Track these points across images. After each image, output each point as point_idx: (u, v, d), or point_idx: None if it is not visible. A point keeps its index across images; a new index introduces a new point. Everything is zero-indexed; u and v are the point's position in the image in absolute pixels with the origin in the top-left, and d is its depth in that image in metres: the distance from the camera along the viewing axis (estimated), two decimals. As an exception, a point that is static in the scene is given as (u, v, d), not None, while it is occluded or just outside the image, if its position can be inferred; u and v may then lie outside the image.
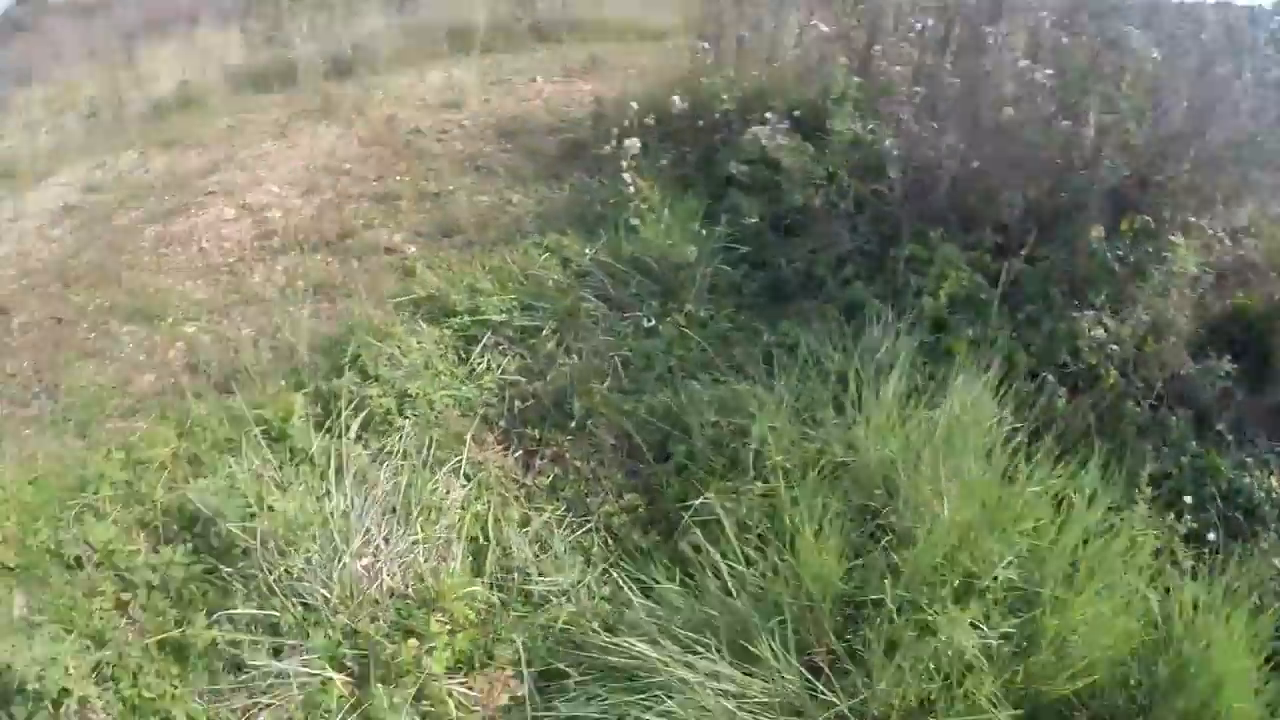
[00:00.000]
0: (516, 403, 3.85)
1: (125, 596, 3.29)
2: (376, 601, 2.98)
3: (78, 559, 3.41)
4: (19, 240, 6.48)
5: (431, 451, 3.56)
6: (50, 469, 3.92)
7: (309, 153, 6.26)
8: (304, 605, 2.96)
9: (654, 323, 4.15)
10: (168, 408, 3.98)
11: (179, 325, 4.61)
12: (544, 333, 4.08)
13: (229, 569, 3.10)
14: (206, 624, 3.06)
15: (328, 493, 3.22)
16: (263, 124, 7.19)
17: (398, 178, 5.63)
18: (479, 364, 3.98)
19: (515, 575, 3.24)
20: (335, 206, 5.42)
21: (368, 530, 3.11)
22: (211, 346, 4.40)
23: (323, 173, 5.91)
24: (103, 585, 3.33)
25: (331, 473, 3.29)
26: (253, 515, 3.12)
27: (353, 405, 3.55)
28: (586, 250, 4.46)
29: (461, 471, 3.53)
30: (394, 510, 3.19)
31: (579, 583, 3.24)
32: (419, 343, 3.89)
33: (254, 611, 2.95)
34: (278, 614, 2.93)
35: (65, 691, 2.93)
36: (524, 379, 3.96)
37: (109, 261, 5.52)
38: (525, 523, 3.43)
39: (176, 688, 3.00)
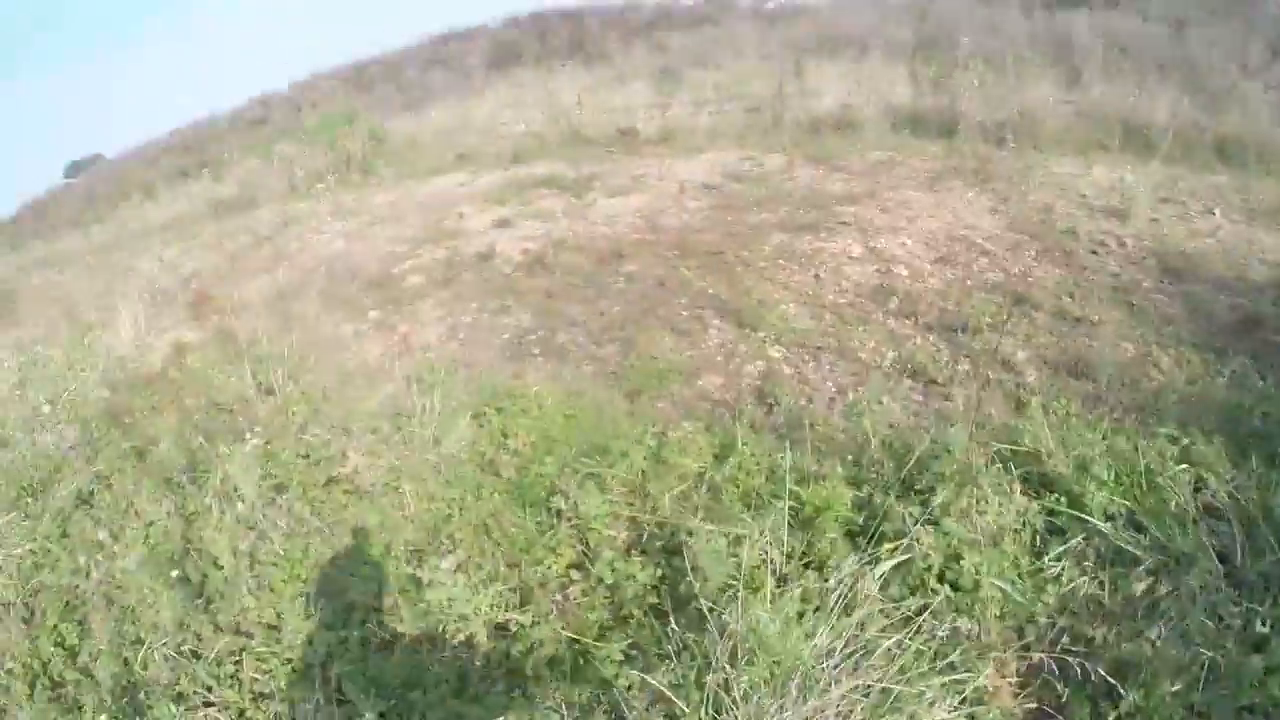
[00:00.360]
0: (1065, 638, 2.84)
1: (574, 575, 3.17)
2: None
3: (559, 512, 3.35)
4: (656, 199, 7.25)
5: (950, 647, 2.74)
6: (586, 416, 4.03)
7: (952, 218, 5.81)
8: (730, 723, 2.41)
9: (1267, 630, 2.80)
10: (715, 422, 3.79)
11: (766, 345, 4.46)
12: (1140, 570, 2.96)
13: (680, 627, 2.67)
14: (622, 658, 2.78)
15: (819, 609, 2.62)
16: (912, 170, 6.98)
17: (1036, 281, 4.89)
18: (1050, 570, 3.02)
19: None
20: (964, 289, 4.86)
21: (842, 698, 2.42)
22: (787, 383, 4.15)
23: (960, 245, 5.42)
24: (564, 552, 3.25)
25: (834, 600, 2.68)
26: (733, 596, 2.64)
27: (896, 538, 2.90)
28: (1230, 480, 3.19)
29: (966, 695, 2.66)
30: (868, 693, 2.46)
31: None
32: (1000, 506, 3.08)
33: (671, 689, 2.46)
34: (707, 721, 2.41)
35: (464, 619, 2.96)
36: (1089, 618, 2.91)
37: (727, 251, 5.71)
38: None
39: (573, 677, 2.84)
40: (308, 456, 3.95)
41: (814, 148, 7.93)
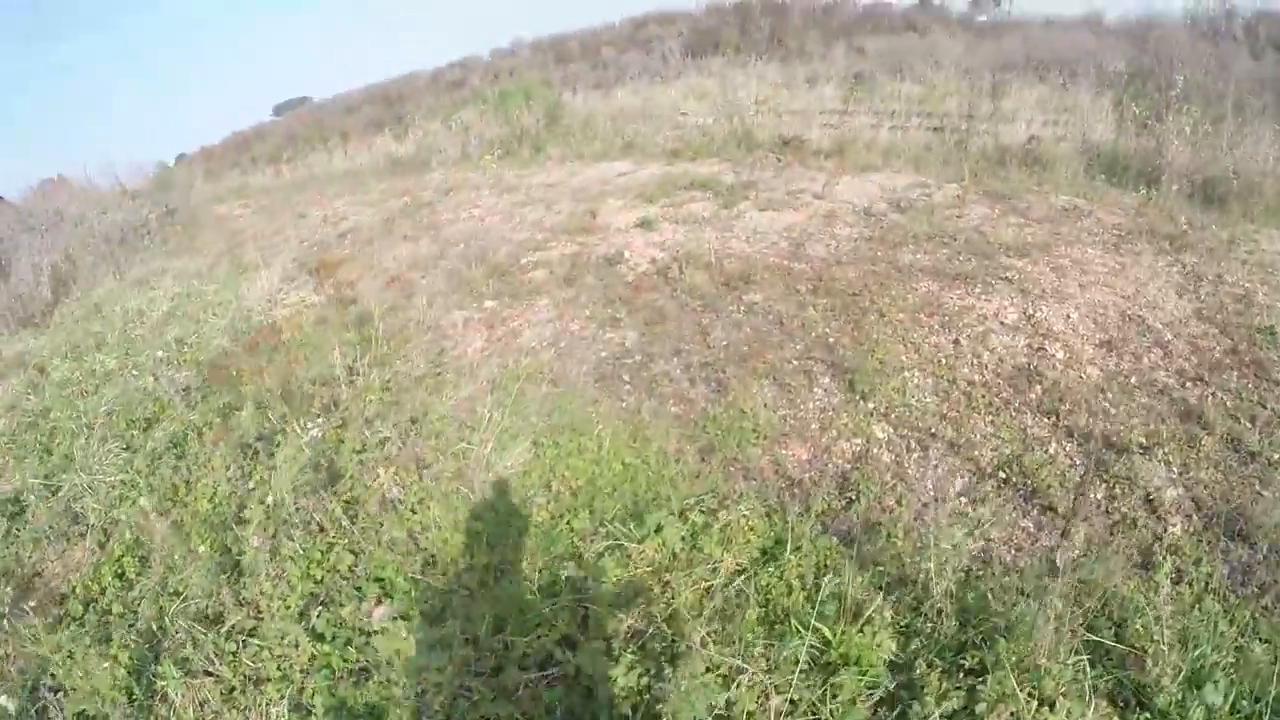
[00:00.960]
0: None
1: (559, 654, 2.83)
2: None
3: (570, 579, 3.04)
4: (808, 220, 6.67)
5: None
6: (644, 468, 3.70)
7: (1132, 291, 4.83)
8: None
9: None
10: (779, 508, 3.35)
11: (871, 420, 3.90)
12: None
13: None
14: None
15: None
16: (1098, 223, 5.93)
17: (1213, 394, 3.97)
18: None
19: None
20: (1125, 388, 4.01)
21: None
22: (880, 474, 3.58)
23: (1134, 328, 4.48)
24: (558, 625, 2.93)
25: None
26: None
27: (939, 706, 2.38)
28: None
29: None
30: None
31: None
32: (1069, 716, 2.42)
33: None
34: None
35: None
36: None
37: (864, 295, 5.09)
38: None
39: None
40: (363, 451, 3.87)
41: (995, 181, 7.03)
